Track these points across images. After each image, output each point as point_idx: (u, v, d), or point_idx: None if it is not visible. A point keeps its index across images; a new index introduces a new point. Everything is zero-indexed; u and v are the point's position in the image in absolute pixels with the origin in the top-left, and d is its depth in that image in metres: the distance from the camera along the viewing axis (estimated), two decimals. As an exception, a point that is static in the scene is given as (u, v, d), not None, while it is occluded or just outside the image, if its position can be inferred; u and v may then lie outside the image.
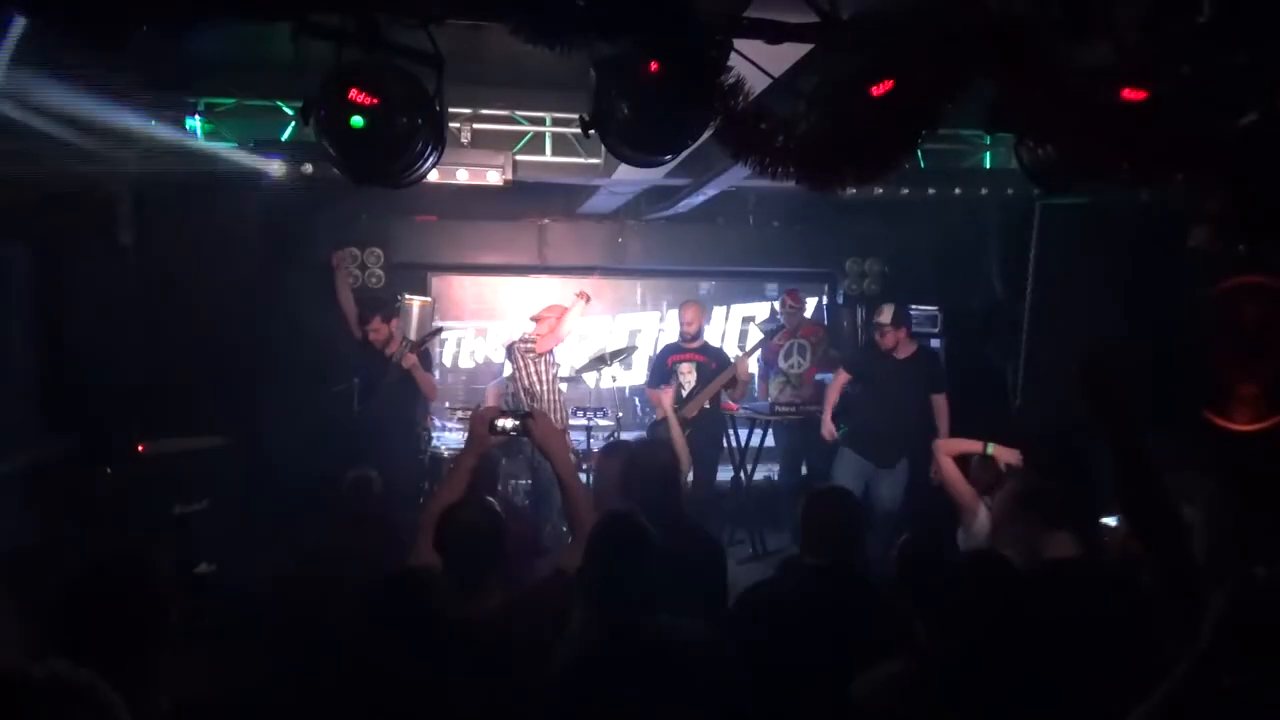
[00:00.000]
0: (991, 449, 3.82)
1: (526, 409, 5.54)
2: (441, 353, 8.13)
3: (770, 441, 7.42)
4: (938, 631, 2.16)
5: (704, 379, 6.42)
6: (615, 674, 2.16)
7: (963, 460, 3.87)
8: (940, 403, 5.96)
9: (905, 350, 6.04)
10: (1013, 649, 2.11)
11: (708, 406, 6.40)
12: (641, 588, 2.27)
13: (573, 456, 6.14)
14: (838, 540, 2.79)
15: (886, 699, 2.08)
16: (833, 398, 6.29)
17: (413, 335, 7.12)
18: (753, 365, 7.28)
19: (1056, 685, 2.07)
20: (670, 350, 6.73)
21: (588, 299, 6.28)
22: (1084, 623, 2.43)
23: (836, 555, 2.77)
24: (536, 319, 6.35)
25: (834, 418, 6.27)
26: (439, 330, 6.87)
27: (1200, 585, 2.03)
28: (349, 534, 3.90)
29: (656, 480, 3.16)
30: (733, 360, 6.62)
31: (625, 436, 7.02)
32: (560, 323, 6.24)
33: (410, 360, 6.29)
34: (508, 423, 2.84)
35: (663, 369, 6.63)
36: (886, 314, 6.03)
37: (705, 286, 8.82)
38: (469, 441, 2.94)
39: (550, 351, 6.29)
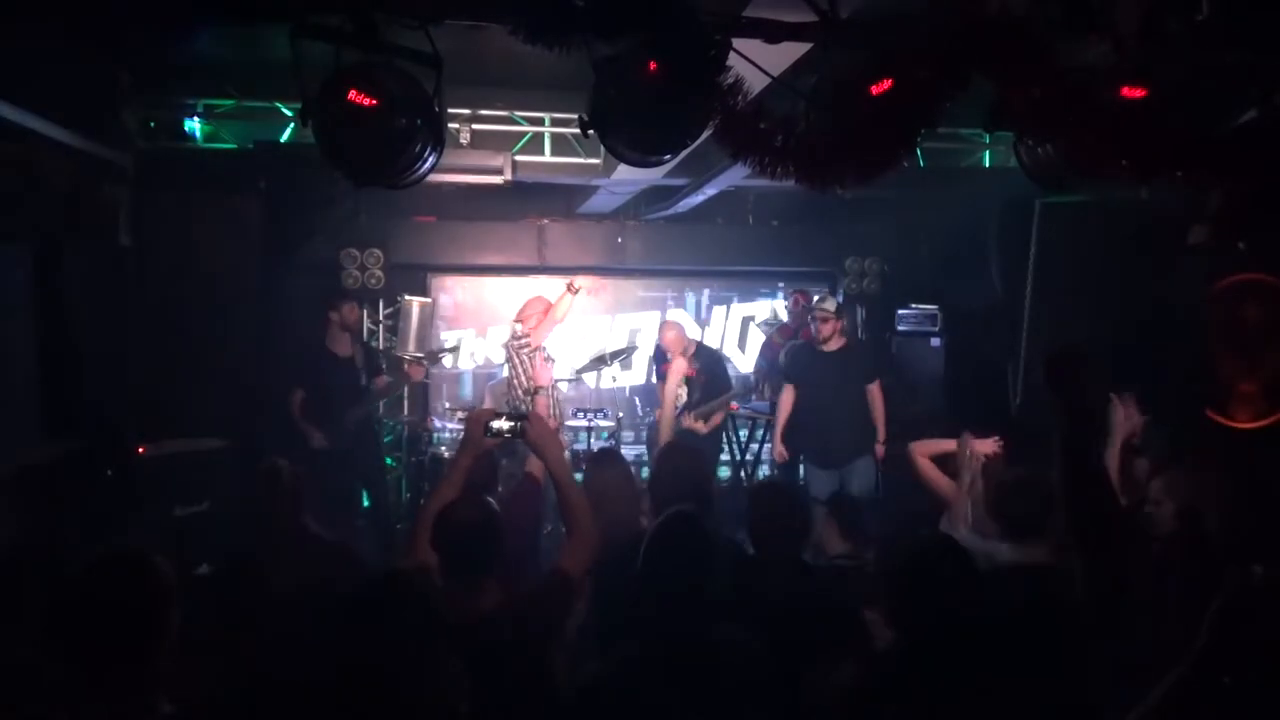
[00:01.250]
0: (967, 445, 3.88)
1: (522, 409, 5.54)
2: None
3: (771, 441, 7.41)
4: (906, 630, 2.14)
5: (693, 391, 6.40)
6: (664, 677, 2.11)
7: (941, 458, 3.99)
8: (874, 392, 5.95)
9: (835, 344, 6.03)
10: (973, 649, 2.10)
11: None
12: (701, 591, 2.23)
13: (568, 456, 6.14)
14: (782, 534, 2.80)
15: (844, 701, 2.07)
16: (783, 416, 6.15)
17: (412, 335, 7.17)
18: (747, 366, 7.28)
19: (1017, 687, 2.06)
20: (662, 359, 6.71)
21: (575, 291, 6.24)
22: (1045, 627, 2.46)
23: (781, 548, 2.77)
24: (522, 318, 6.30)
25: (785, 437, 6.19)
26: (455, 348, 6.88)
27: (1127, 591, 2.03)
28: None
29: (690, 488, 3.12)
30: (731, 378, 6.67)
31: (624, 438, 7.03)
32: (550, 312, 6.17)
33: (420, 373, 6.35)
34: (503, 424, 2.83)
35: (660, 371, 6.67)
36: (832, 303, 6.09)
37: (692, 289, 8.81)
38: (464, 443, 2.93)
39: (544, 347, 6.26)
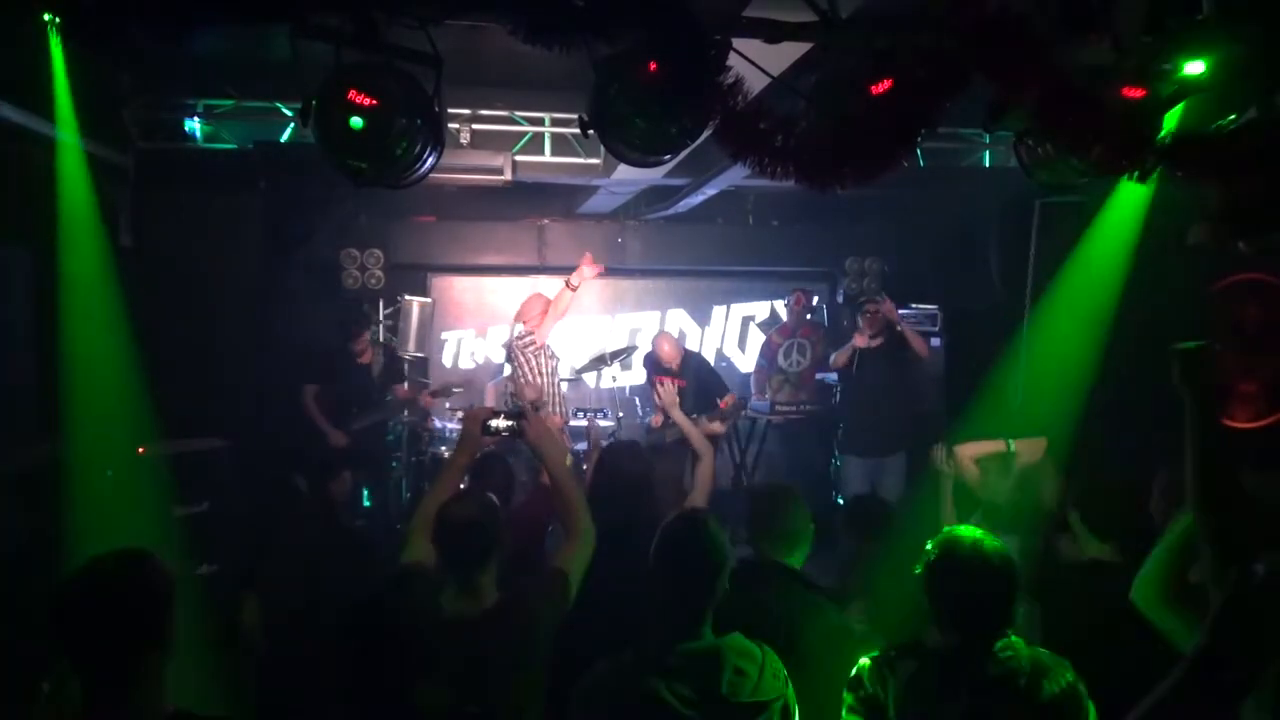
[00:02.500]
0: (1015, 446, 3.86)
1: (520, 408, 5.53)
2: (442, 354, 8.14)
3: (771, 441, 7.41)
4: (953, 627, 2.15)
5: (684, 401, 6.33)
6: (673, 683, 2.10)
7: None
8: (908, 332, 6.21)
9: (880, 340, 6.27)
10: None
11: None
12: (709, 598, 2.22)
13: (570, 458, 6.11)
14: (776, 536, 2.78)
15: (900, 694, 2.08)
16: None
17: (413, 334, 7.22)
18: (747, 366, 7.26)
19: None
20: (654, 370, 6.63)
21: (574, 288, 6.22)
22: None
23: (773, 552, 2.76)
24: (525, 318, 6.25)
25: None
26: (463, 389, 7.05)
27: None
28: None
29: (630, 488, 3.13)
30: (717, 401, 6.60)
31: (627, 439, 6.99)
32: (550, 309, 6.14)
33: (429, 402, 6.52)
34: (501, 423, 2.82)
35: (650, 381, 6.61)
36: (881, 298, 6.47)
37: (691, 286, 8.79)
38: (461, 441, 2.93)
39: (548, 345, 6.25)
